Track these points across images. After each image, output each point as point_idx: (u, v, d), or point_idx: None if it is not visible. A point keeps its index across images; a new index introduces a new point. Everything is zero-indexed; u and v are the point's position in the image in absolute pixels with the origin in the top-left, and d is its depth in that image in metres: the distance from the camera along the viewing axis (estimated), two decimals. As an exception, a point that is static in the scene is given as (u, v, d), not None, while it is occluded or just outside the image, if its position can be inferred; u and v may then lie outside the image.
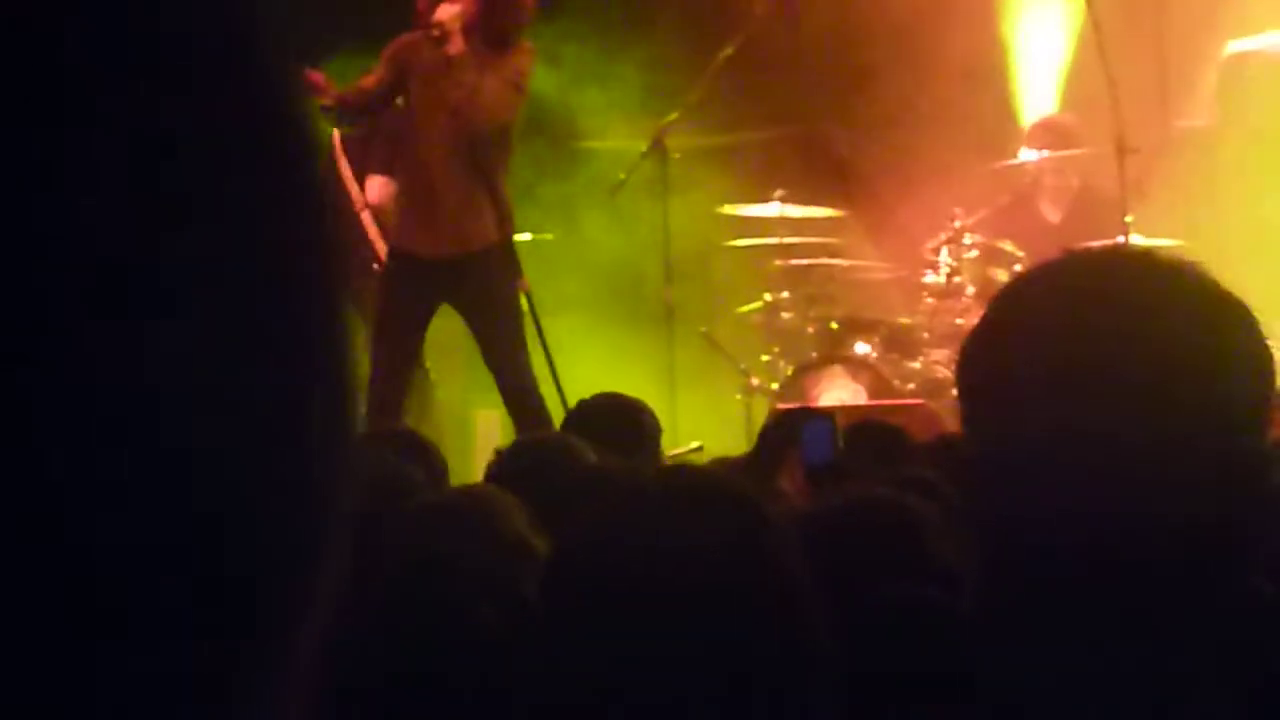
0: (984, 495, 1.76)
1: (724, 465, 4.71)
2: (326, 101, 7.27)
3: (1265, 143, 9.76)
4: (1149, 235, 8.58)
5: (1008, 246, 8.53)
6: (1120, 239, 8.22)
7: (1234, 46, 9.88)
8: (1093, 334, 1.71)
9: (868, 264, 9.33)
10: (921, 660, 1.83)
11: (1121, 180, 8.36)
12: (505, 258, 7.43)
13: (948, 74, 9.69)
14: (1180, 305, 1.73)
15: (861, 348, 8.66)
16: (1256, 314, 1.75)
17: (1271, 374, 1.75)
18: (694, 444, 8.13)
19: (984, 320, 1.80)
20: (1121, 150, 8.35)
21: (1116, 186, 8.41)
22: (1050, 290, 1.78)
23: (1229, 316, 1.74)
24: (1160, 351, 1.69)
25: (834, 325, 8.80)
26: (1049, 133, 9.21)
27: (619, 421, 5.06)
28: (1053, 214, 9.18)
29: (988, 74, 10.05)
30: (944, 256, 8.63)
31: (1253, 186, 9.68)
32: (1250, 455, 1.70)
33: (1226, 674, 1.71)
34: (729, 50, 8.94)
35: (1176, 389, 1.68)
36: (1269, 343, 1.75)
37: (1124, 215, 8.31)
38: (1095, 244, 1.77)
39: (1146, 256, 1.84)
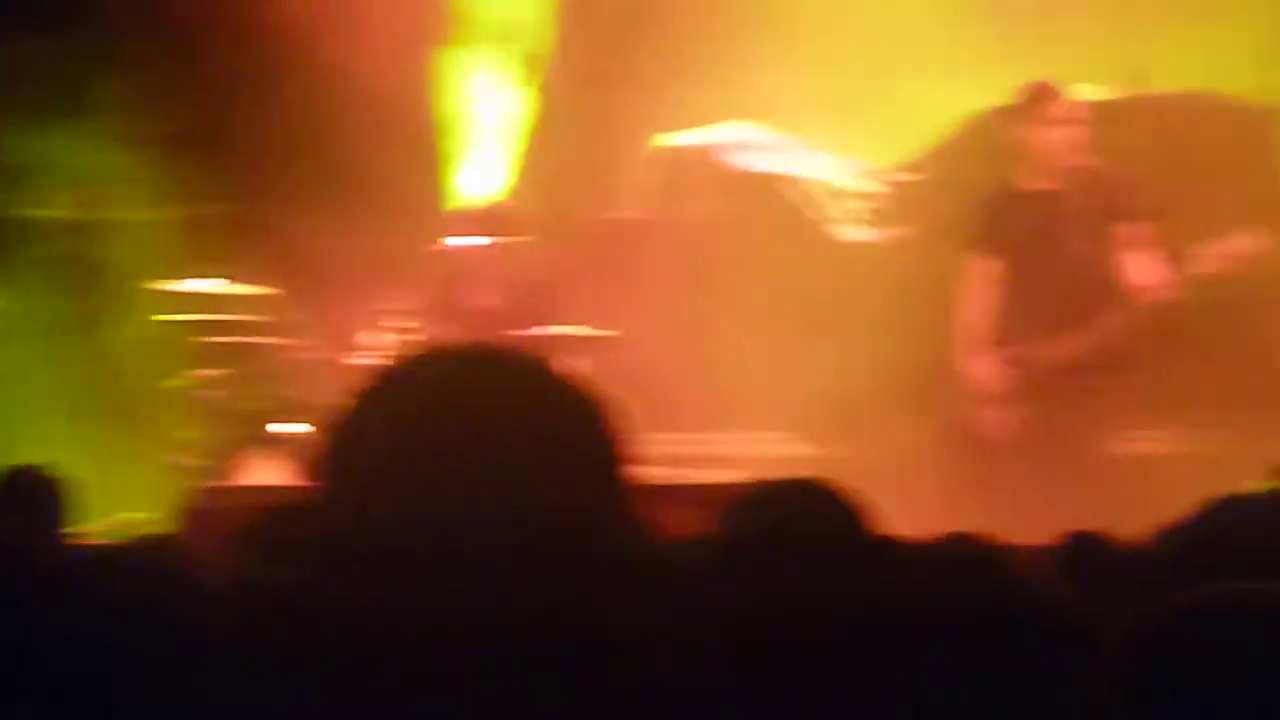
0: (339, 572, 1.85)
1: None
2: None
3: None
4: (586, 324, 8.69)
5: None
6: (561, 327, 8.31)
7: (661, 141, 10.08)
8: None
9: (304, 344, 9.18)
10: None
11: (559, 267, 8.43)
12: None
13: (390, 148, 9.58)
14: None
15: (294, 428, 8.52)
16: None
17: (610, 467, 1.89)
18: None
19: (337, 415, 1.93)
20: (560, 237, 8.42)
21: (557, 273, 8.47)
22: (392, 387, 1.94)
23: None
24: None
25: (265, 404, 8.65)
26: (488, 219, 9.22)
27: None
28: (494, 300, 9.21)
29: (432, 151, 9.98)
30: (379, 339, 8.55)
31: (693, 277, 9.87)
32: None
33: None
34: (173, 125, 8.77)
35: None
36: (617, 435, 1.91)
37: (562, 303, 8.40)
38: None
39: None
